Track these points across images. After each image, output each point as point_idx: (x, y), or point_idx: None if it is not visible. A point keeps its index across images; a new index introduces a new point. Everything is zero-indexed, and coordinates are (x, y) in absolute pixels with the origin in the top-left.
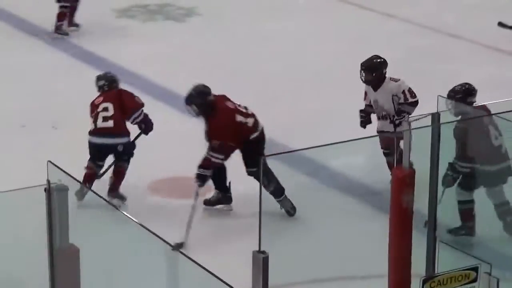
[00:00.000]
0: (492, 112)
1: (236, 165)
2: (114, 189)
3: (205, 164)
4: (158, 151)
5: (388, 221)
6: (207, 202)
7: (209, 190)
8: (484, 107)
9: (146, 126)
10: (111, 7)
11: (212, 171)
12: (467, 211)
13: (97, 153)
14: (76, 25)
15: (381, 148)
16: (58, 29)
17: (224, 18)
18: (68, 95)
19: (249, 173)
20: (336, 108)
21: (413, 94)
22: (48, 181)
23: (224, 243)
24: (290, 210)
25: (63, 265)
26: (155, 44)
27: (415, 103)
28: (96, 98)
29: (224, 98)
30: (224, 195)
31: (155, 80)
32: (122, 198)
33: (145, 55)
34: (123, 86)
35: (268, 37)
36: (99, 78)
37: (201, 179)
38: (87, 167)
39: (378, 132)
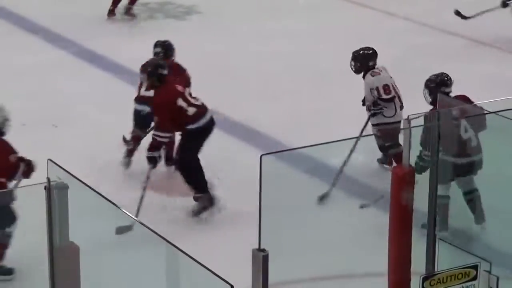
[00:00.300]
0: (491, 110)
1: (238, 161)
2: (169, 158)
3: (152, 145)
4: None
5: (388, 219)
6: (195, 198)
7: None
8: (463, 98)
9: None
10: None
11: (159, 152)
12: (441, 206)
13: (139, 120)
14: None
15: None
16: (128, 10)
17: (224, 17)
18: (68, 93)
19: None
20: (336, 107)
21: (386, 91)
22: (48, 179)
23: (223, 241)
24: (197, 211)
25: (63, 263)
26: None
27: (387, 100)
28: None
29: (178, 80)
30: (204, 196)
31: None
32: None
33: (145, 53)
34: (123, 84)
35: (268, 36)
36: (156, 45)
37: (152, 161)
38: (132, 132)
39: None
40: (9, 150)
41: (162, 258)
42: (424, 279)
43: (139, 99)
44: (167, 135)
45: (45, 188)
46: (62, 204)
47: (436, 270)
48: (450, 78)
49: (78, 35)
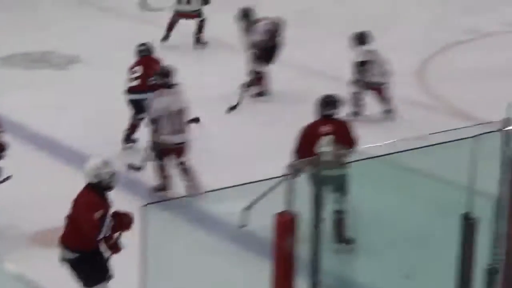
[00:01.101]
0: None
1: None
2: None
3: None
4: (49, 199)
5: (271, 266)
6: None
7: None
8: (342, 123)
9: None
10: None
11: None
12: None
13: (134, 107)
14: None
15: None
16: (198, 40)
17: (105, 65)
18: None
19: None
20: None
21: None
22: None
23: None
24: None
25: None
26: (37, 92)
27: None
28: None
29: None
30: None
31: (38, 129)
32: None
33: (28, 103)
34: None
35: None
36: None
37: None
38: (130, 118)
39: None
40: (97, 207)
41: None
42: None
43: (129, 90)
44: None
45: None
46: None
47: None
48: (334, 100)
49: None
